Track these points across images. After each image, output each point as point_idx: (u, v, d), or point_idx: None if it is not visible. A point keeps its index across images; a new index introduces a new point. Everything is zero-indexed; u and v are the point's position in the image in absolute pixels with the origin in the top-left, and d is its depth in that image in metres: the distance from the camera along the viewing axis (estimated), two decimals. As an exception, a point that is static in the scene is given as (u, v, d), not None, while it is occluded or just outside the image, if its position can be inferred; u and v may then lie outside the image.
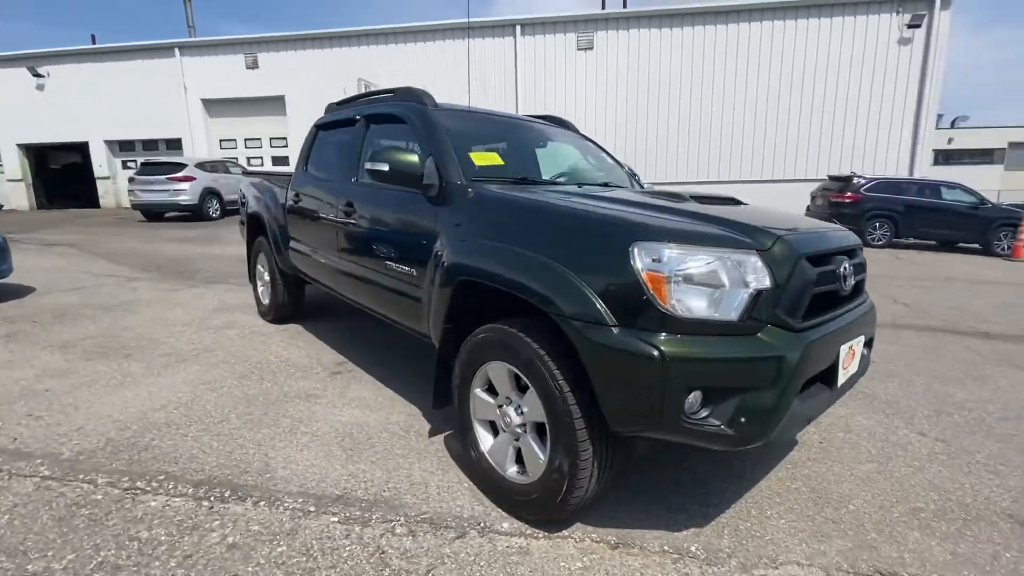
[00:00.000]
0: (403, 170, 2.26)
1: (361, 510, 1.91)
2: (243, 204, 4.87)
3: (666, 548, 1.78)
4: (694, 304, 1.46)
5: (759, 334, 1.51)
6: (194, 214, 12.68)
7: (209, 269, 6.86)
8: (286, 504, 1.93)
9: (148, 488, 2.00)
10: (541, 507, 1.78)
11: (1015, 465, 2.41)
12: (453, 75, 15.17)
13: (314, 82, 15.68)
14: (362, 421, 2.62)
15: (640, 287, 1.47)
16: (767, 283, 1.50)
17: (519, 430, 1.87)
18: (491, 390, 2.01)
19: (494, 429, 2.05)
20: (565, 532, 1.83)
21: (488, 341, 1.90)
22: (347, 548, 1.71)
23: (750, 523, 1.94)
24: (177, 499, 1.94)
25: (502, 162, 2.56)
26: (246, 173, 5.07)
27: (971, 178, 14.40)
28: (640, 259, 1.48)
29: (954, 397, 3.18)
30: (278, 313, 4.22)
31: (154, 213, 12.93)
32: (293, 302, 4.21)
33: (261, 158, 17.17)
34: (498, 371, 1.91)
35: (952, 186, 11.62)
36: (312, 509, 1.90)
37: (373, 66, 15.33)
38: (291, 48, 15.88)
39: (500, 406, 1.96)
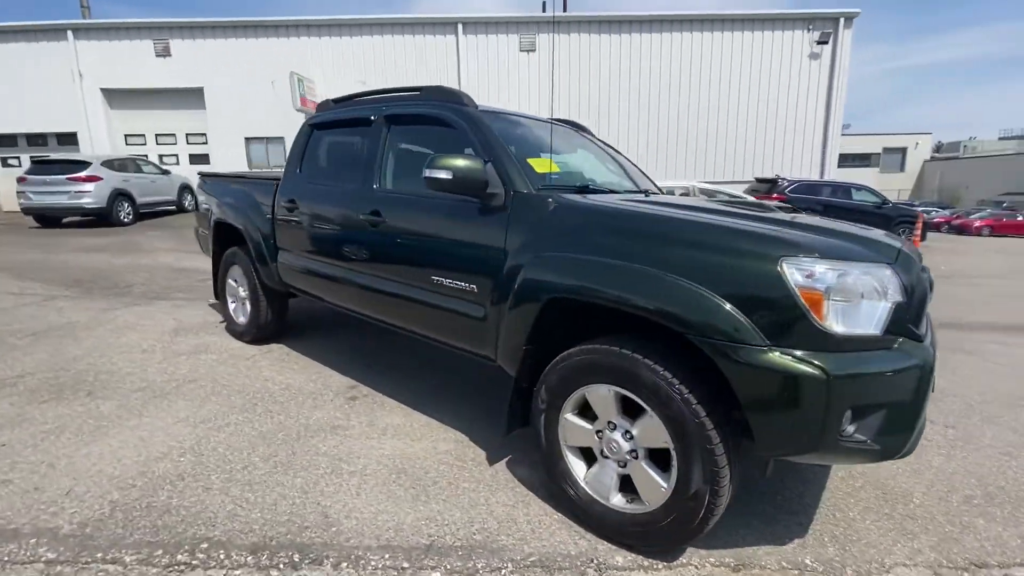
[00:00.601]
0: (468, 178, 2.06)
1: (461, 560, 1.71)
2: (201, 209, 4.32)
3: (784, 564, 1.76)
4: (847, 320, 1.44)
5: (894, 346, 1.51)
6: (100, 219, 11.18)
7: (142, 283, 6.06)
8: (372, 563, 1.68)
9: (194, 561, 1.66)
10: (667, 536, 1.69)
11: (1019, 446, 2.67)
12: (391, 71, 14.61)
13: (238, 74, 14.43)
14: (408, 453, 2.38)
15: (796, 305, 1.42)
16: (900, 296, 1.51)
17: (628, 456, 1.76)
18: (584, 414, 1.89)
19: (587, 456, 1.92)
20: (682, 559, 1.75)
21: (590, 363, 1.77)
22: (467, 608, 1.51)
23: (841, 528, 1.97)
24: (237, 572, 1.62)
25: (558, 169, 2.43)
26: (204, 176, 4.50)
27: (853, 179, 16.14)
28: (793, 276, 1.43)
29: (936, 384, 3.49)
30: (259, 333, 3.78)
31: (50, 218, 11.25)
32: (277, 320, 3.79)
33: (176, 156, 15.52)
34: (600, 395, 1.78)
35: (859, 187, 12.97)
36: (406, 566, 1.67)
37: (305, 59, 14.38)
38: (210, 36, 14.48)
39: (599, 432, 1.84)
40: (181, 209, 13.56)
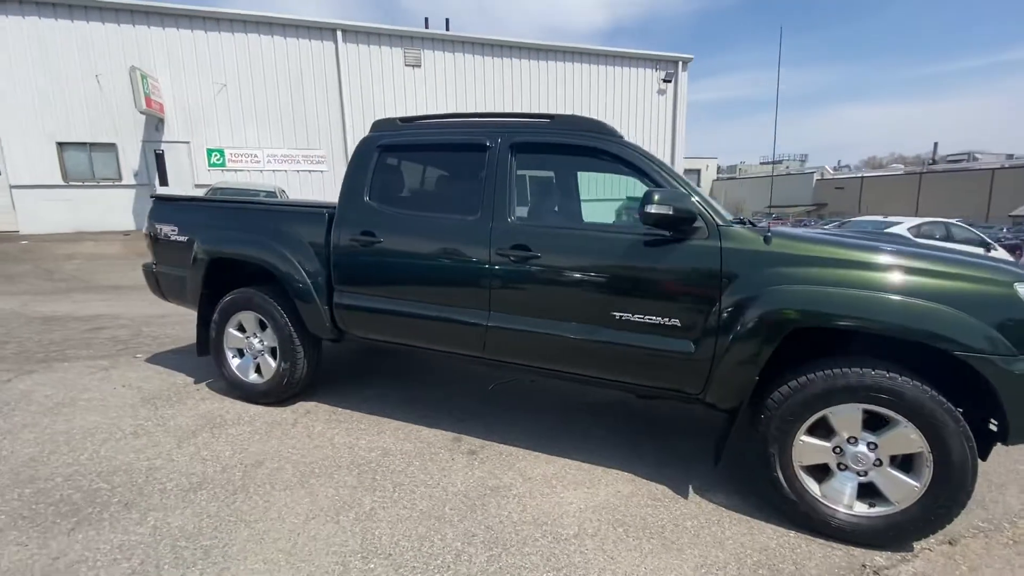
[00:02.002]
0: (683, 213, 2.08)
1: (779, 598, 1.71)
2: (171, 241, 3.41)
3: (971, 530, 2.13)
4: None
5: None
6: None
7: (1, 341, 4.47)
8: (714, 625, 1.59)
9: None
10: (921, 528, 1.92)
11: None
12: (259, 75, 13.00)
13: (45, 63, 11.37)
14: (604, 503, 2.25)
15: None
16: None
17: (873, 465, 1.96)
18: (814, 433, 2.04)
19: (816, 472, 2.07)
20: (916, 547, 2.00)
21: (844, 386, 1.92)
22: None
23: (967, 493, 2.44)
24: None
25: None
26: (163, 199, 3.53)
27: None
28: None
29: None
30: (289, 391, 3.12)
31: None
32: (311, 374, 3.18)
33: (-59, 164, 11.55)
34: (846, 413, 1.95)
35: (707, 204, 15.51)
36: (746, 618, 1.62)
37: (146, 52, 11.98)
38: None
39: (836, 448, 2.01)
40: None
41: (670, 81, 17.20)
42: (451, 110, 14.96)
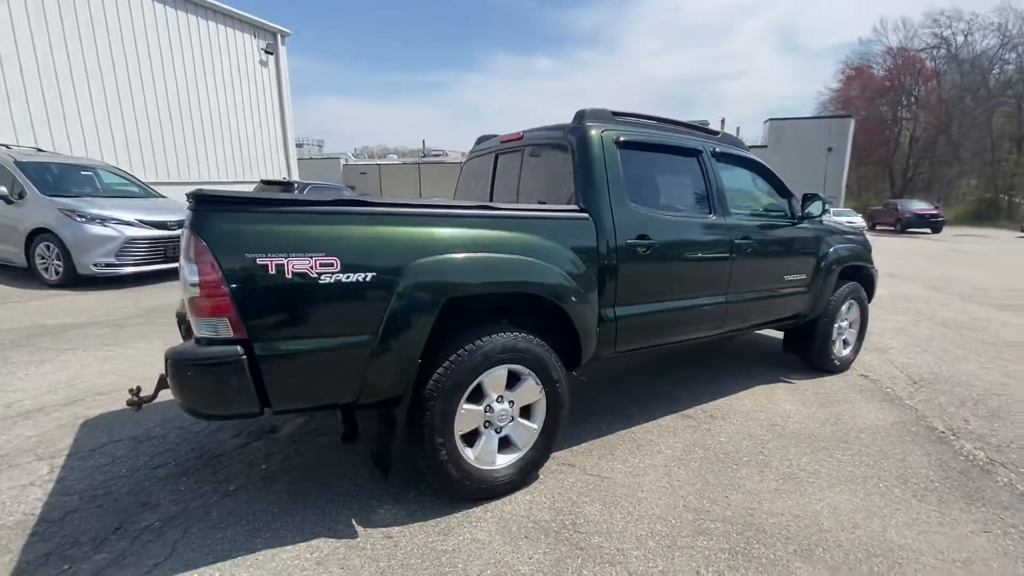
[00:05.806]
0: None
1: None
2: (319, 287, 1.72)
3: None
4: None
5: None
6: None
7: None
8: None
9: None
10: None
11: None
12: None
13: None
14: (805, 399, 3.39)
15: None
16: None
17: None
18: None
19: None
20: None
21: (851, 293, 3.85)
22: None
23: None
24: None
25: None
26: (340, 206, 1.53)
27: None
28: None
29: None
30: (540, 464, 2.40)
31: None
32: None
33: None
34: (848, 302, 3.93)
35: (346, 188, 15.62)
36: None
37: None
38: None
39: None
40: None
41: (272, 53, 15.64)
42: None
